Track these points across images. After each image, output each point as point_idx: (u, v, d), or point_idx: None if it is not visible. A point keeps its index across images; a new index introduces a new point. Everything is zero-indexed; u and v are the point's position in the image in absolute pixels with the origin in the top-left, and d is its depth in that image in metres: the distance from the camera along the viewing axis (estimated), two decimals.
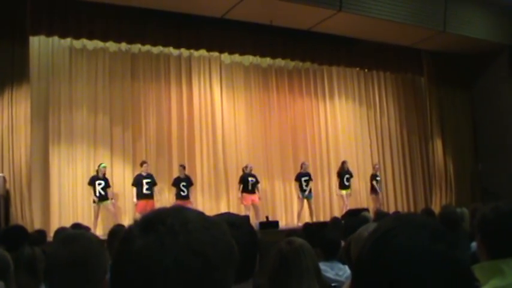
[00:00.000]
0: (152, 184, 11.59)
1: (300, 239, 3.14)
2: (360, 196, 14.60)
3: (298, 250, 2.96)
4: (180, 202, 11.47)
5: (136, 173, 11.85)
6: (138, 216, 10.97)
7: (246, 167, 12.63)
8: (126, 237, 0.92)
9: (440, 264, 0.93)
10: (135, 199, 11.55)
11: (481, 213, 2.14)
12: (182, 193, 11.81)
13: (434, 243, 0.95)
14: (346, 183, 13.53)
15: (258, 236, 1.82)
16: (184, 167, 12.14)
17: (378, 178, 14.14)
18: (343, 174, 13.56)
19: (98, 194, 11.16)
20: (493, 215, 2.08)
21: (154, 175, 11.86)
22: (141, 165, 11.74)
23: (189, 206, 11.02)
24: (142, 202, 11.33)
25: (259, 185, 12.70)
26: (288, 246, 2.98)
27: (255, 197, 12.47)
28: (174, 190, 12.17)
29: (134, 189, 11.61)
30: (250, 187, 12.38)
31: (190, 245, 0.88)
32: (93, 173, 11.50)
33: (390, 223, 1.01)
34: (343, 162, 13.72)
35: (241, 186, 12.43)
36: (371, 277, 0.95)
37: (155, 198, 11.68)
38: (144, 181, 11.51)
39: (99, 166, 11.38)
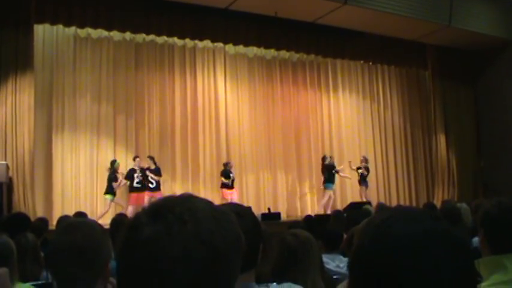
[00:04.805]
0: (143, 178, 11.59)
1: (305, 232, 3.14)
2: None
3: (306, 244, 2.96)
4: (135, 194, 11.56)
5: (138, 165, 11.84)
6: (131, 208, 11.01)
7: (228, 163, 12.58)
8: (134, 225, 0.91)
9: (442, 240, 0.92)
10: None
11: (484, 208, 2.15)
12: (151, 185, 11.69)
13: (435, 223, 0.95)
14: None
15: (261, 226, 1.83)
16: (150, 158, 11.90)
17: (360, 171, 13.76)
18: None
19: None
20: (496, 210, 2.08)
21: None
22: (134, 159, 11.76)
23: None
24: (134, 195, 11.52)
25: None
26: (295, 239, 2.97)
27: (234, 193, 12.41)
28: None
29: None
30: (231, 183, 12.36)
31: (199, 234, 0.87)
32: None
33: (388, 212, 1.01)
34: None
35: (224, 180, 12.34)
36: (373, 266, 0.93)
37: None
38: (135, 175, 11.57)
39: (116, 163, 11.46)
